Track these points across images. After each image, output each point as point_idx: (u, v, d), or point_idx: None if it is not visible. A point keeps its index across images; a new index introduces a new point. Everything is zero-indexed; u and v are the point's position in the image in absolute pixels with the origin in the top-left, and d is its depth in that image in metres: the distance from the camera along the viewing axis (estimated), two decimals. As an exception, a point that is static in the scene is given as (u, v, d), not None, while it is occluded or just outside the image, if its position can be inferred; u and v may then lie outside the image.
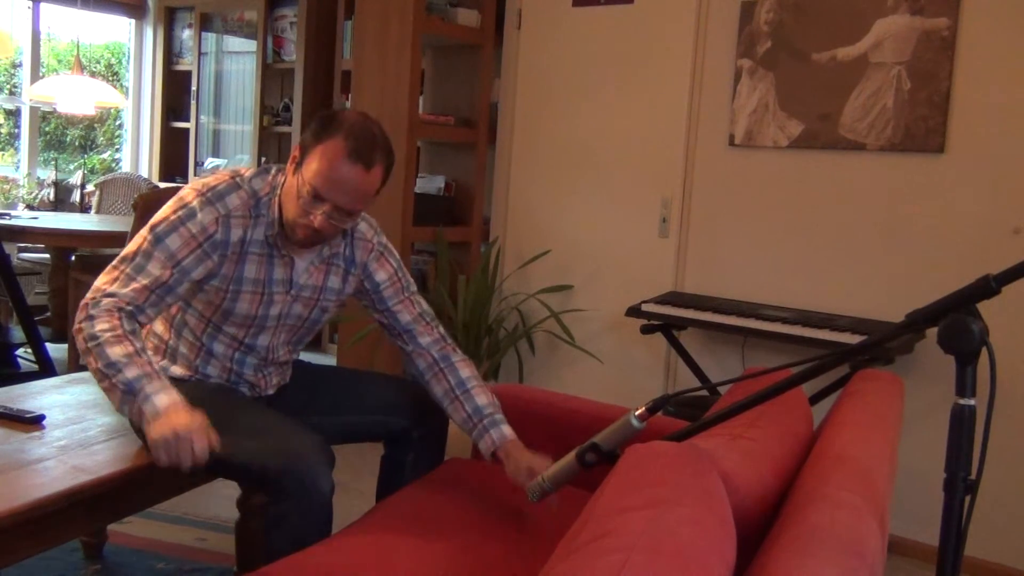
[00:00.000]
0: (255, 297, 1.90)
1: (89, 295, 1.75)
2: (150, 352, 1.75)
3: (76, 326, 1.71)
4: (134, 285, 1.74)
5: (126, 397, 1.64)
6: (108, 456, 1.76)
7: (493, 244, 3.88)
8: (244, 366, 1.99)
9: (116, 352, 1.65)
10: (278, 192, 1.87)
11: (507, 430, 1.93)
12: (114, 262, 1.79)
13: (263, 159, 5.47)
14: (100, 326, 1.68)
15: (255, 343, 1.96)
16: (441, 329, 2.07)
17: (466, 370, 2.01)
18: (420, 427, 2.09)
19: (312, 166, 1.76)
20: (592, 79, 3.61)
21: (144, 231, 1.81)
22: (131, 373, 1.64)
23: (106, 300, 1.72)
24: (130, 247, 1.80)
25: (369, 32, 3.82)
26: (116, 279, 1.75)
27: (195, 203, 1.81)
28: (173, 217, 1.80)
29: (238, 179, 1.87)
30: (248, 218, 1.85)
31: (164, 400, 1.63)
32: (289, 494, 1.68)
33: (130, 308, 1.73)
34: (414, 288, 2.08)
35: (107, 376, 1.65)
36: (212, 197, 1.83)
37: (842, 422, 1.53)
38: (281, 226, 1.86)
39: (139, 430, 1.81)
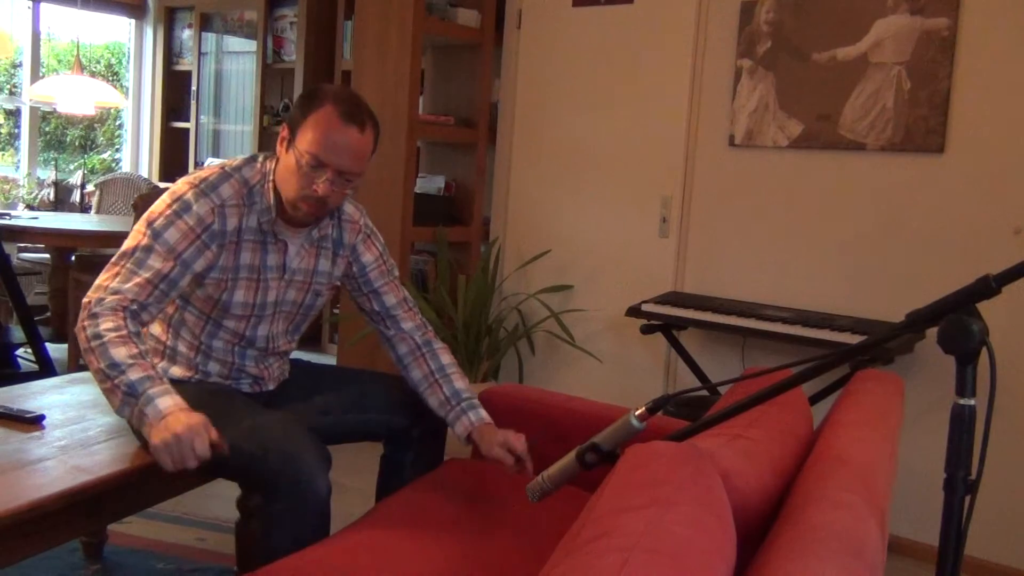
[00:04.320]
0: (251, 284, 1.93)
1: (91, 293, 1.74)
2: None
3: (79, 324, 1.71)
4: (136, 280, 1.75)
5: (127, 399, 1.63)
6: (108, 456, 1.76)
7: (493, 244, 3.88)
8: (245, 359, 2.01)
9: (120, 353, 1.65)
10: (270, 178, 1.90)
11: (484, 413, 1.99)
12: (113, 259, 1.80)
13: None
14: (104, 325, 1.68)
15: (255, 335, 1.98)
16: (421, 315, 2.14)
17: (446, 356, 2.08)
18: (419, 426, 2.10)
19: (307, 136, 1.80)
20: (592, 79, 3.61)
21: (140, 227, 1.81)
22: (134, 375, 1.64)
23: (110, 298, 1.72)
24: (128, 243, 1.80)
25: (369, 32, 3.82)
26: (117, 275, 1.76)
27: (190, 195, 1.83)
28: (169, 211, 1.82)
29: (228, 169, 1.90)
30: (242, 206, 1.88)
31: (167, 403, 1.63)
32: (285, 495, 1.67)
33: (134, 307, 1.73)
34: (397, 272, 2.14)
35: (109, 377, 1.64)
36: (206, 188, 1.85)
37: (842, 422, 1.52)
38: (278, 212, 1.89)
39: (138, 432, 1.81)
